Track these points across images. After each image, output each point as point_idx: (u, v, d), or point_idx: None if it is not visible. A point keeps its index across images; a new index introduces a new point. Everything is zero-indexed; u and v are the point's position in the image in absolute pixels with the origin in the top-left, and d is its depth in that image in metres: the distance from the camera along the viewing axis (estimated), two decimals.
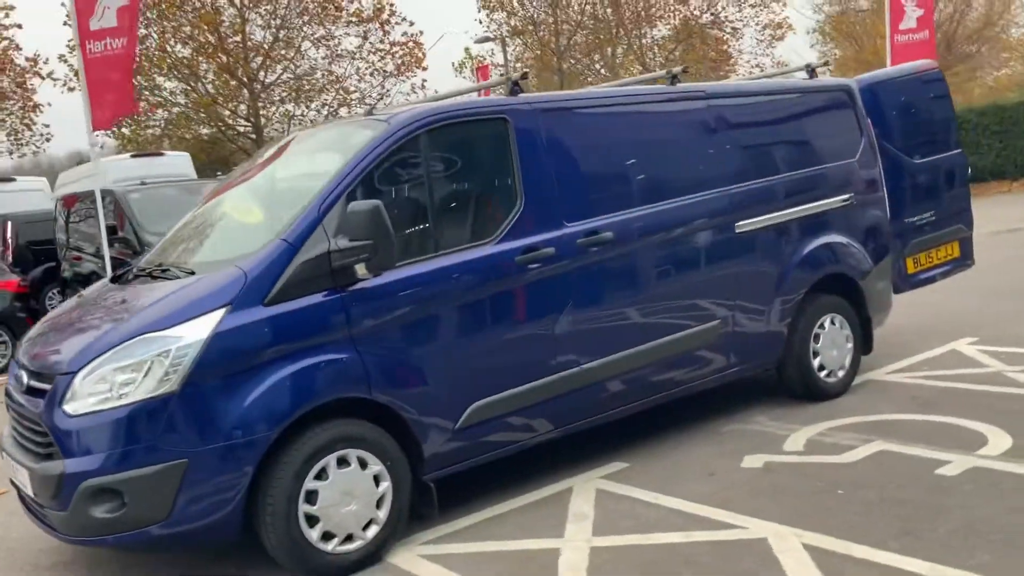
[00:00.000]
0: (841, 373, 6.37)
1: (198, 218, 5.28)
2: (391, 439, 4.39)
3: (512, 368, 4.79)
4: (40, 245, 16.13)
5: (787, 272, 6.01)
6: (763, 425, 5.88)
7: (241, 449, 3.97)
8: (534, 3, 32.00)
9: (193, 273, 4.43)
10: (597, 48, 34.12)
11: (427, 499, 4.56)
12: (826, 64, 6.88)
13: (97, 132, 11.85)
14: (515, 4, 31.76)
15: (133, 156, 16.05)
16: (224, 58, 25.91)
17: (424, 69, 28.54)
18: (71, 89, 24.91)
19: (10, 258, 16.12)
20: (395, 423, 4.43)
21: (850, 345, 6.42)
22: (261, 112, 27.23)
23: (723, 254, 5.71)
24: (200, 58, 26.09)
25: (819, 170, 6.28)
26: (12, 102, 24.35)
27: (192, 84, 25.71)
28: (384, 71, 27.84)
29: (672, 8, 32.68)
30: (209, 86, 26.24)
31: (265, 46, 26.59)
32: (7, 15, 23.10)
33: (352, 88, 28.40)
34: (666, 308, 5.43)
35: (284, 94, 27.44)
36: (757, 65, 35.46)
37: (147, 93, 26.07)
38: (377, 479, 4.33)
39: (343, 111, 28.35)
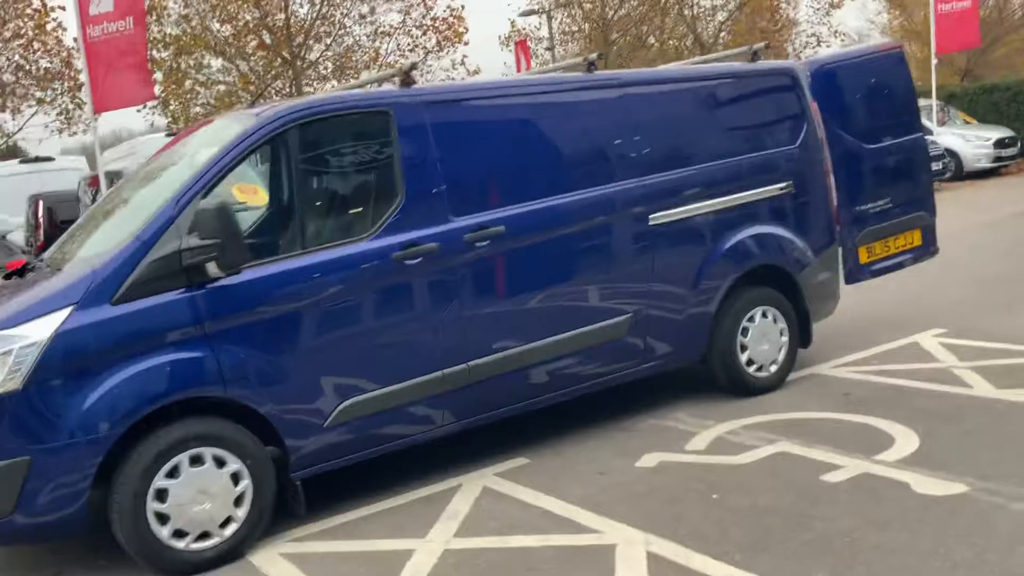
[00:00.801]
0: (774, 368, 6.18)
1: (94, 211, 5.35)
2: (252, 437, 4.41)
3: (390, 365, 4.76)
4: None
5: (709, 265, 5.84)
6: (680, 421, 5.75)
7: (84, 447, 4.03)
8: None
9: (60, 270, 4.49)
10: (647, 19, 33.50)
11: (296, 497, 4.57)
12: (767, 46, 6.61)
13: (97, 115, 12.09)
14: None
15: (168, 135, 16.36)
16: (267, 37, 26.21)
17: (465, 44, 28.44)
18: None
19: (41, 237, 16.59)
20: (258, 421, 4.44)
21: (785, 339, 6.22)
22: (306, 90, 27.47)
23: (635, 247, 5.57)
24: (247, 36, 26.44)
25: (750, 158, 6.07)
26: (61, 82, 24.95)
27: (236, 63, 26.06)
28: (425, 47, 27.82)
29: None
30: (251, 64, 26.58)
31: (307, 24, 26.77)
32: None
33: (395, 63, 28.47)
34: (568, 303, 5.33)
35: (327, 71, 27.63)
36: (813, 34, 34.50)
37: (193, 71, 26.61)
38: (236, 477, 4.35)
39: (388, 87, 28.44)
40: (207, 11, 25.30)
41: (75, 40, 23.39)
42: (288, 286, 4.47)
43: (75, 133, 26.80)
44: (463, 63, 27.90)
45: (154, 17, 25.28)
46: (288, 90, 27.03)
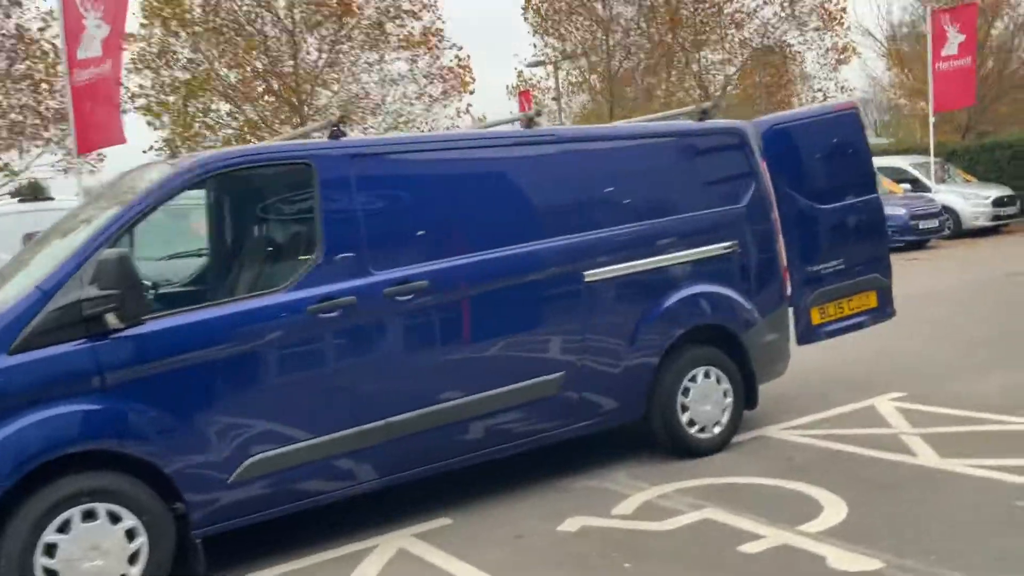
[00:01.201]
0: (717, 429, 6.04)
1: (15, 260, 5.32)
2: (150, 492, 4.31)
3: (302, 420, 4.67)
4: None
5: (648, 323, 5.74)
6: (616, 483, 5.61)
7: None
8: (586, 25, 31.80)
9: None
10: (652, 72, 33.73)
11: (196, 556, 4.46)
12: (715, 106, 6.58)
13: (81, 156, 12.18)
14: (566, 29, 31.64)
15: None
16: (275, 83, 26.53)
17: (471, 93, 28.68)
18: (125, 112, 25.83)
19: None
20: (159, 476, 4.35)
21: (729, 400, 6.09)
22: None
23: (567, 304, 5.49)
24: (256, 82, 26.78)
25: (693, 216, 6.00)
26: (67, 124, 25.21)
27: (242, 107, 26.35)
28: (431, 95, 28.07)
29: (725, 32, 32.09)
30: (259, 109, 26.86)
31: (316, 70, 27.07)
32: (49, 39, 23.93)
33: (401, 113, 28.74)
34: (496, 359, 5.24)
35: (332, 117, 27.85)
36: (820, 89, 34.58)
37: (201, 115, 26.91)
38: (132, 533, 4.26)
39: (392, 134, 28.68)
40: (215, 56, 25.66)
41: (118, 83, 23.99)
42: (193, 338, 4.41)
43: (81, 172, 27.04)
44: (468, 111, 28.11)
45: (163, 62, 25.69)
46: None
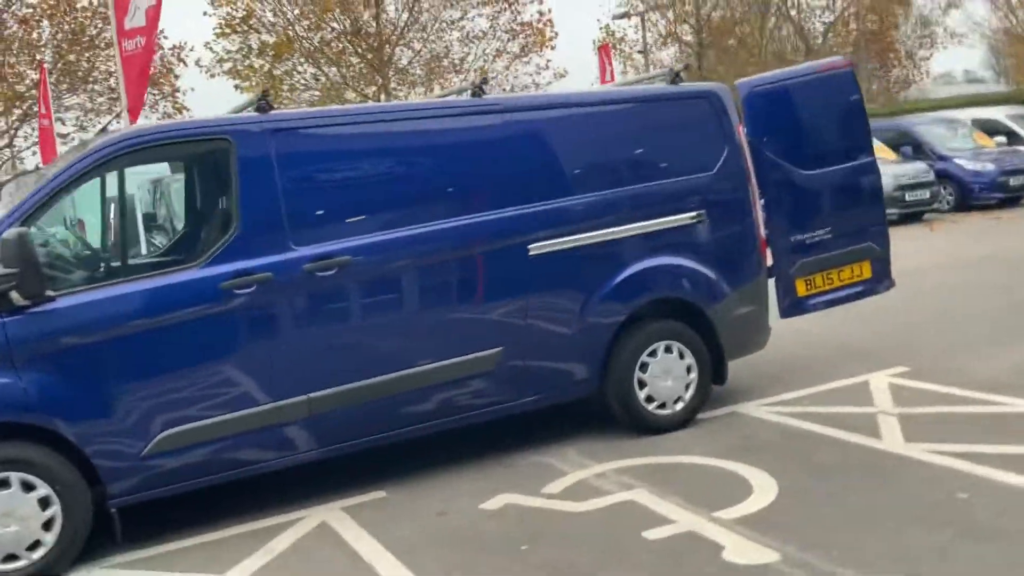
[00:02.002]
0: (679, 406, 5.85)
1: None
2: (65, 463, 4.46)
3: (218, 395, 4.73)
4: None
5: (600, 297, 5.58)
6: (563, 459, 5.51)
7: None
8: None
9: None
10: (746, 20, 32.61)
11: (113, 525, 4.60)
12: (686, 68, 6.25)
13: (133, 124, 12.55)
14: None
15: None
16: (360, 44, 26.76)
17: (552, 48, 28.32)
18: (212, 76, 26.58)
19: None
20: (73, 448, 4.49)
21: (693, 376, 5.87)
22: (394, 96, 27.88)
23: (509, 278, 5.37)
24: (337, 43, 27.09)
25: (652, 186, 5.77)
26: (162, 86, 26.10)
27: (324, 69, 26.72)
28: (511, 52, 27.86)
29: None
30: (342, 71, 27.17)
31: (398, 30, 27.16)
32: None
33: (485, 71, 28.62)
34: (427, 334, 5.19)
35: (414, 77, 27.99)
36: (927, 35, 32.82)
37: (288, 78, 27.41)
38: (46, 502, 4.41)
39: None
40: (297, 18, 26.02)
41: (206, 45, 24.67)
42: (104, 314, 4.51)
43: None
44: (547, 67, 27.78)
45: (248, 26, 26.22)
46: (377, 97, 27.53)
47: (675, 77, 6.13)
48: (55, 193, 4.52)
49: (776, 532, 4.22)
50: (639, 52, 31.99)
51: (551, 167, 5.53)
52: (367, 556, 4.42)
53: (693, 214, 5.84)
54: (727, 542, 4.17)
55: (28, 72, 24.31)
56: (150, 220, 4.73)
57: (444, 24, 27.77)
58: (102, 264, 4.74)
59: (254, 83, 26.73)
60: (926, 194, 16.76)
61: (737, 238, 6.04)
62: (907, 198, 16.47)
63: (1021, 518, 4.13)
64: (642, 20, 31.36)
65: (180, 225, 4.96)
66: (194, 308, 4.68)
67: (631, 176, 5.74)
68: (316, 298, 4.91)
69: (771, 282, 6.33)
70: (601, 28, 31.48)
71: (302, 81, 26.82)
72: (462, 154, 5.35)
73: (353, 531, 4.73)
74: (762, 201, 6.24)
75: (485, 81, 5.63)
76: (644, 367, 5.75)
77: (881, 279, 6.60)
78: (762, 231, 6.14)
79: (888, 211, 16.16)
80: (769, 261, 6.30)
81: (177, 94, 26.18)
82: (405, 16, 26.97)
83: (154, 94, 26.33)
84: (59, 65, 24.57)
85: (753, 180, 6.08)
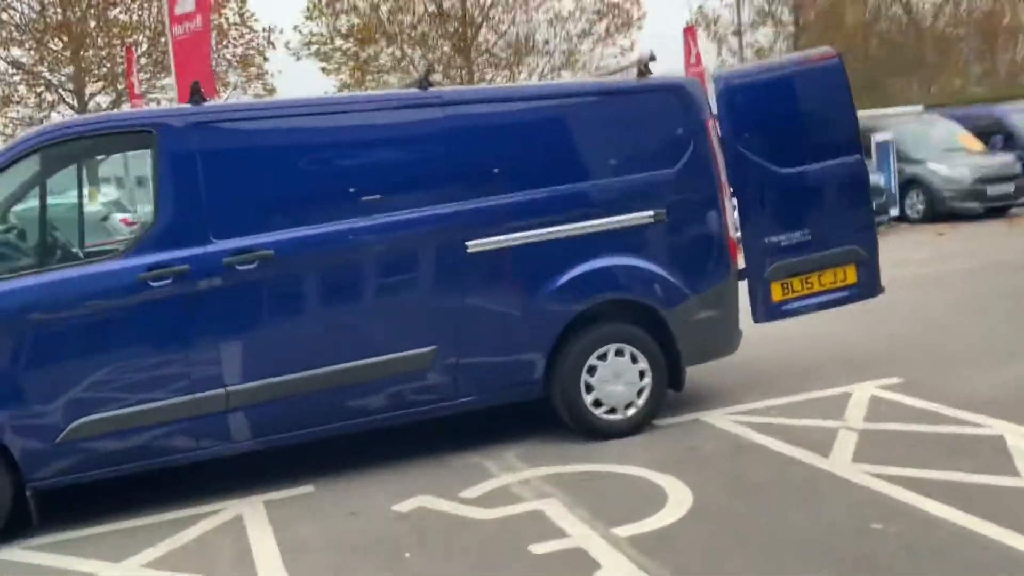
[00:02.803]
0: (631, 411, 5.64)
1: None
2: None
3: (134, 386, 4.79)
4: None
5: (543, 297, 5.42)
6: (498, 462, 5.39)
7: None
8: None
9: None
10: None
11: (27, 508, 4.73)
12: (652, 59, 5.94)
13: None
14: None
15: None
16: (444, 26, 26.87)
17: (639, 29, 27.84)
18: (299, 58, 27.12)
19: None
20: None
21: (647, 381, 5.65)
22: (479, 80, 27.86)
23: (444, 275, 5.27)
24: (425, 24, 27.27)
25: (606, 183, 5.55)
26: (252, 69, 26.80)
27: (404, 49, 26.93)
28: (595, 34, 27.51)
29: None
30: (425, 52, 27.33)
31: (484, 9, 27.11)
32: None
33: (573, 52, 28.38)
34: (354, 330, 5.14)
35: (499, 60, 27.93)
36: None
37: (374, 60, 27.76)
38: None
39: (565, 74, 28.45)
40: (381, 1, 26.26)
41: (295, 28, 25.14)
42: (23, 302, 4.62)
43: None
44: (631, 48, 27.31)
45: (333, 9, 26.61)
46: (461, 79, 27.59)
47: (644, 69, 5.86)
48: None
49: (663, 553, 4.02)
50: (734, 33, 31.10)
51: (492, 163, 5.37)
52: (256, 554, 4.41)
53: (651, 213, 5.60)
54: (607, 561, 3.99)
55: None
56: (77, 210, 4.86)
57: (530, 4, 27.59)
58: (25, 253, 4.86)
59: (339, 65, 27.22)
60: (1010, 188, 15.66)
61: (701, 239, 5.77)
62: (989, 192, 15.50)
63: (917, 556, 3.82)
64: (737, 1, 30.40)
65: (95, 215, 5.03)
66: (112, 299, 4.74)
67: (582, 173, 5.53)
68: (236, 291, 4.91)
69: (746, 285, 6.05)
70: (690, 9, 30.59)
71: (387, 64, 27.04)
72: (396, 149, 5.27)
73: (260, 527, 4.74)
74: (735, 200, 5.96)
75: (431, 72, 5.49)
76: (592, 370, 5.56)
77: (868, 285, 6.21)
78: (732, 232, 5.84)
79: (968, 205, 15.42)
80: (742, 263, 6.01)
81: (266, 76, 26.79)
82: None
83: (244, 76, 27.09)
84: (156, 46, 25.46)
85: (722, 178, 5.79)
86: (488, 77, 28.16)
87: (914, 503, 4.33)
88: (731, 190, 5.93)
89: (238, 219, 4.94)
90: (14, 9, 23.36)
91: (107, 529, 4.90)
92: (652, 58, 5.79)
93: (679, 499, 4.62)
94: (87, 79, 24.48)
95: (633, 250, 5.59)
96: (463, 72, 27.41)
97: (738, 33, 30.71)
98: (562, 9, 28.05)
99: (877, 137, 15.94)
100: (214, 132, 4.96)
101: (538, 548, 4.18)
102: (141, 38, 24.87)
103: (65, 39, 23.87)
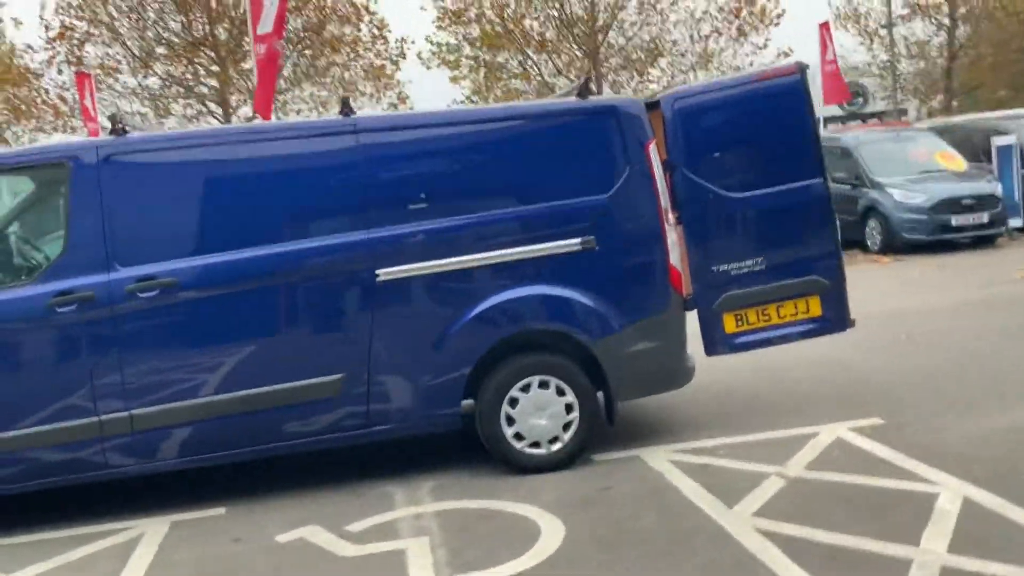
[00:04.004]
0: (556, 446, 5.43)
1: None
2: None
3: (37, 407, 5.01)
4: None
5: (459, 327, 5.30)
6: (407, 494, 5.29)
7: None
8: None
9: None
10: None
11: None
12: (588, 80, 5.64)
13: None
14: None
15: None
16: (571, 31, 26.73)
17: (776, 25, 26.68)
18: (428, 68, 27.65)
19: None
20: None
21: (574, 415, 5.42)
22: (611, 85, 27.52)
23: (352, 304, 5.25)
24: (548, 32, 27.24)
25: (530, 210, 5.37)
26: (384, 81, 27.51)
27: (531, 57, 26.95)
28: (725, 34, 26.63)
29: None
30: (552, 59, 27.27)
31: (611, 11, 26.74)
32: (376, 1, 26.10)
33: (709, 54, 27.63)
34: (255, 358, 5.18)
35: (624, 61, 27.50)
36: None
37: (502, 68, 27.93)
38: None
39: (699, 76, 27.74)
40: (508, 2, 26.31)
41: (427, 39, 25.76)
42: None
43: None
44: (765, 46, 26.24)
45: (461, 19, 26.94)
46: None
47: (584, 90, 5.63)
48: None
49: None
50: (883, 27, 29.35)
51: (407, 190, 5.30)
52: None
53: (579, 240, 5.37)
54: None
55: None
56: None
57: (661, 5, 26.99)
58: None
59: (468, 72, 27.56)
60: None
61: (637, 267, 5.49)
62: None
63: None
64: None
65: (25, 244, 5.30)
66: (21, 323, 4.99)
67: (505, 199, 5.38)
68: (139, 318, 5.05)
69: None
70: (829, 3, 29.12)
71: (513, 71, 27.15)
72: (307, 177, 5.27)
73: (149, 549, 4.85)
74: (680, 227, 5.63)
75: (347, 102, 5.45)
76: (514, 402, 5.39)
77: (835, 317, 5.73)
78: (673, 260, 5.52)
79: None
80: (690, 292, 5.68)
81: (398, 86, 27.43)
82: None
83: (381, 88, 27.83)
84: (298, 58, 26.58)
85: (662, 203, 5.48)
86: (623, 79, 27.78)
87: (776, 568, 3.96)
88: (677, 216, 5.61)
89: (144, 247, 5.09)
90: (162, 25, 24.88)
91: (18, 540, 5.15)
92: (587, 79, 5.55)
93: (546, 545, 4.41)
94: (230, 91, 25.84)
95: (557, 279, 5.38)
96: (591, 75, 27.16)
97: (888, 26, 28.95)
98: (696, 9, 27.31)
99: (998, 141, 14.65)
100: (124, 164, 5.12)
101: None
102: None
103: (212, 54, 25.29)
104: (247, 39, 23.41)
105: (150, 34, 24.39)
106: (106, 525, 5.22)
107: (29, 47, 24.89)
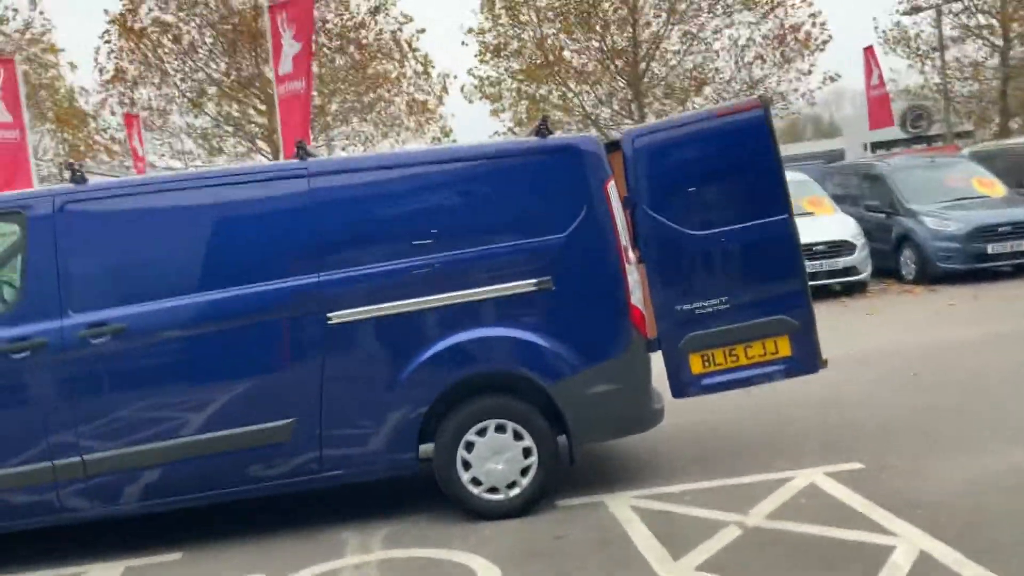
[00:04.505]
0: (514, 491, 5.31)
1: None
2: None
3: None
4: None
5: (412, 370, 5.22)
6: (361, 541, 5.19)
7: None
8: None
9: None
10: None
11: None
12: (545, 119, 5.53)
13: None
14: None
15: None
16: (617, 62, 26.69)
17: (821, 51, 26.29)
18: (471, 102, 27.85)
19: None
20: None
21: (532, 459, 5.30)
22: (651, 113, 27.39)
23: (302, 347, 5.22)
24: (593, 63, 27.26)
25: (483, 251, 5.28)
26: (428, 113, 27.79)
27: (572, 88, 26.97)
28: (772, 60, 26.31)
29: None
30: (595, 90, 27.25)
31: (656, 40, 26.64)
32: (418, 37, 26.41)
33: (754, 81, 27.34)
34: (208, 402, 5.17)
35: (668, 90, 27.35)
36: None
37: (545, 99, 27.99)
38: None
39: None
40: (553, 35, 26.38)
41: (469, 72, 26.05)
42: None
43: None
44: (810, 72, 25.86)
45: (502, 53, 27.11)
46: (631, 112, 27.25)
47: (542, 128, 5.55)
48: None
49: None
50: (934, 49, 28.75)
51: (359, 233, 5.27)
52: None
53: (534, 281, 5.28)
54: None
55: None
56: None
57: (707, 33, 26.82)
58: None
59: (510, 105, 27.69)
60: None
61: (595, 308, 5.36)
62: None
63: None
64: (938, 12, 28.06)
65: None
66: None
67: (458, 240, 5.29)
68: (90, 363, 5.09)
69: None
70: (875, 27, 28.55)
71: (554, 102, 27.18)
72: (258, 221, 5.28)
73: None
74: (642, 266, 5.50)
75: (302, 147, 5.45)
76: (470, 447, 5.29)
77: (805, 358, 5.52)
78: (635, 299, 5.38)
79: None
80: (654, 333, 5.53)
81: (441, 120, 27.69)
82: (664, 28, 26.30)
83: (419, 121, 28.11)
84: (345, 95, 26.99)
85: (621, 243, 5.35)
86: (668, 108, 27.60)
87: None
88: (639, 254, 5.49)
89: (97, 294, 5.14)
90: (213, 66, 25.51)
91: None
92: (545, 119, 5.47)
93: None
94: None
95: (512, 320, 5.28)
96: (633, 106, 27.08)
97: (940, 49, 28.34)
98: (740, 37, 27.08)
99: None
100: (79, 212, 5.19)
101: None
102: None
103: (260, 94, 25.82)
104: None
105: (200, 75, 24.98)
106: (57, 569, 5.24)
107: (84, 89, 25.77)
